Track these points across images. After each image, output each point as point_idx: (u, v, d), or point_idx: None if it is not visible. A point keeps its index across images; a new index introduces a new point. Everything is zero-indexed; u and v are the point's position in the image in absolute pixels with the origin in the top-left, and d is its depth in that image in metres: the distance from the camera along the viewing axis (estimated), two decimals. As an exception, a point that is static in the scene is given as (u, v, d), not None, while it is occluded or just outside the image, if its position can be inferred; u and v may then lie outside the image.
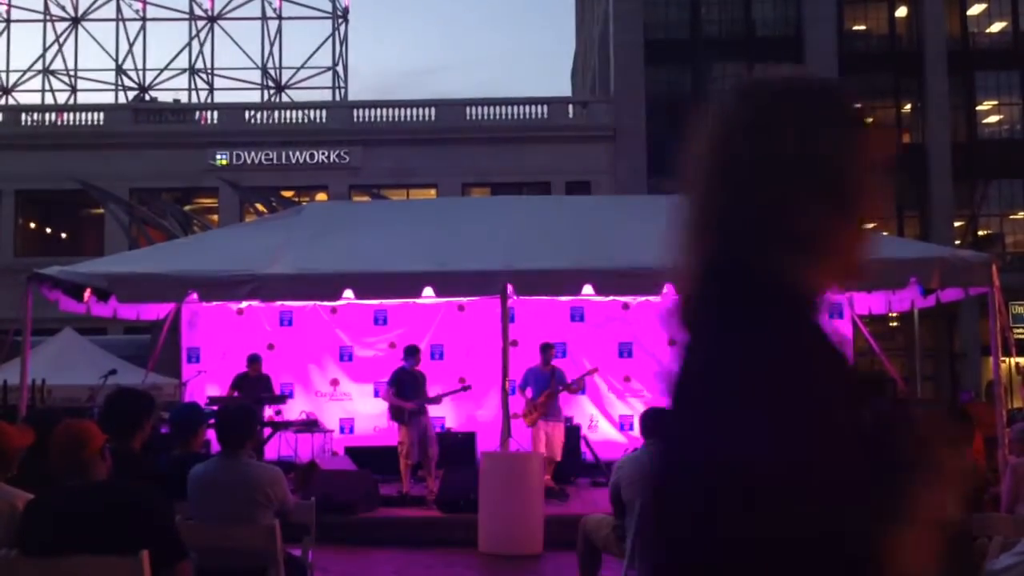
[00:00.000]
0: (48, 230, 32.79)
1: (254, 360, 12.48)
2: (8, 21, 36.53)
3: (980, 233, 30.95)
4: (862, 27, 32.54)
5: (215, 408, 9.85)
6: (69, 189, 28.21)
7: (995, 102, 31.88)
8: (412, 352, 11.65)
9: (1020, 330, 27.72)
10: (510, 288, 9.93)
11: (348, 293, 10.30)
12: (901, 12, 32.27)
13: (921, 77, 31.10)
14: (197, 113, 33.47)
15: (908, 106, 31.94)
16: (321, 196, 29.98)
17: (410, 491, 11.10)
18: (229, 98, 35.95)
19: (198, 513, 5.08)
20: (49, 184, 29.85)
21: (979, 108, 31.73)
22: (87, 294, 10.61)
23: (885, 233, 27.65)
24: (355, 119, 31.47)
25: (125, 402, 5.03)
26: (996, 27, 32.19)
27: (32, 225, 32.43)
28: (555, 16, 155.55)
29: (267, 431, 12.12)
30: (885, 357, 14.93)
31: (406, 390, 11.32)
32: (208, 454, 5.90)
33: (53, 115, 32.66)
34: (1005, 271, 11.73)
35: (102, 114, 31.84)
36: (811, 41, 31.00)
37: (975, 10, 32.15)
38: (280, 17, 37.46)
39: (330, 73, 37.41)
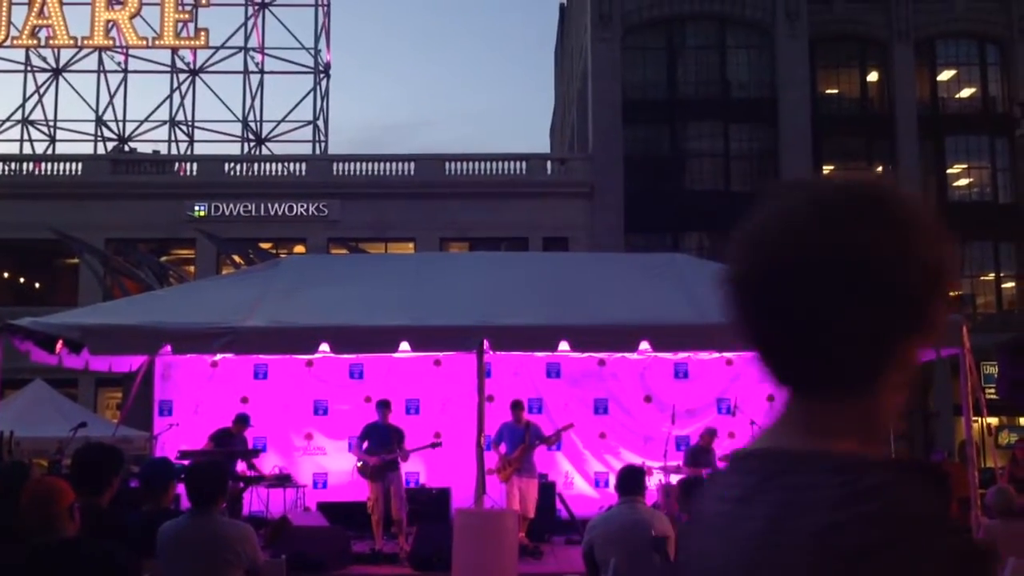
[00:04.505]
0: (22, 279, 32.52)
1: (241, 420, 12.17)
2: (-11, 71, 36.56)
3: (951, 295, 31.23)
4: (835, 90, 33.21)
5: (186, 463, 9.71)
6: (44, 239, 28.04)
7: (965, 165, 32.51)
8: (381, 406, 11.64)
9: (991, 390, 27.90)
10: (486, 343, 9.94)
11: (324, 347, 10.27)
12: (872, 76, 32.99)
13: (893, 140, 31.71)
14: (176, 164, 33.50)
15: (880, 168, 32.48)
16: (299, 248, 29.97)
17: (383, 548, 10.97)
18: (209, 150, 36.03)
19: (167, 571, 5.00)
20: (24, 233, 29.63)
21: (949, 171, 32.34)
22: (59, 345, 10.50)
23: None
24: (334, 172, 31.61)
25: (93, 457, 4.97)
26: (965, 92, 32.96)
27: (5, 274, 32.16)
28: (534, 74, 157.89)
29: (240, 484, 11.93)
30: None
31: (373, 445, 11.30)
32: (178, 510, 5.82)
33: (31, 164, 32.58)
34: (975, 332, 11.87)
35: (80, 164, 31.78)
36: (785, 103, 31.58)
37: (944, 76, 32.93)
38: (262, 71, 37.70)
39: (310, 127, 37.62)
